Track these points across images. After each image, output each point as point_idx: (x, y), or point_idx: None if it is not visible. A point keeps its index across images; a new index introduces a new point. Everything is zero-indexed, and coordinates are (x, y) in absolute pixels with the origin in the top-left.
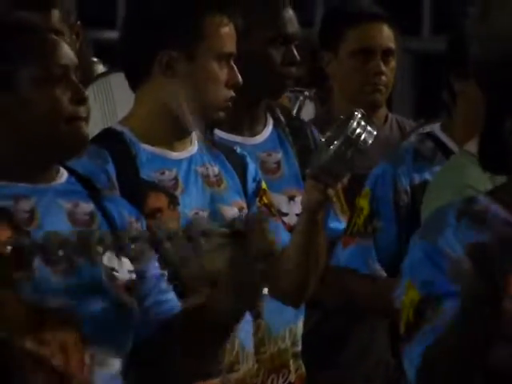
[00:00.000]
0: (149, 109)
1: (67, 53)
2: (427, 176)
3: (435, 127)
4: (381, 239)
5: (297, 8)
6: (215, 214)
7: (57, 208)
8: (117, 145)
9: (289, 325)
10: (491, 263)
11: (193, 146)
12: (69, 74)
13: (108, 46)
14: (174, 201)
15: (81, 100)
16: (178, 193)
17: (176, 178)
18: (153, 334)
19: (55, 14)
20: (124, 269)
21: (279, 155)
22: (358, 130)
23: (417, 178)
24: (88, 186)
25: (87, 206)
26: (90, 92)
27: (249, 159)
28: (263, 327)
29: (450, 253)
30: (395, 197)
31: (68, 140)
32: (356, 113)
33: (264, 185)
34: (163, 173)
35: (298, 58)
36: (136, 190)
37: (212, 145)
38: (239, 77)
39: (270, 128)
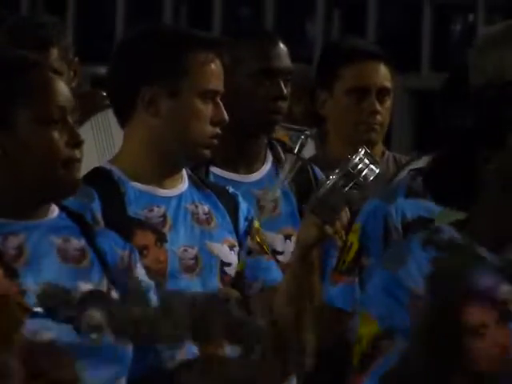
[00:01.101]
0: (135, 146)
1: (65, 93)
2: (421, 213)
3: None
4: (368, 276)
5: (295, 44)
6: (203, 252)
7: (47, 244)
8: (105, 183)
9: None
10: (447, 293)
11: (183, 184)
12: (66, 116)
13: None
14: (161, 238)
15: (77, 144)
16: (166, 230)
17: (164, 215)
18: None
19: (54, 53)
20: None
21: (277, 193)
22: (360, 166)
23: (409, 215)
24: (79, 222)
25: (78, 242)
26: (88, 127)
27: (241, 198)
28: None
29: (410, 285)
30: (385, 234)
31: (63, 183)
32: (360, 149)
33: (257, 224)
34: (152, 210)
35: (285, 92)
36: (122, 227)
37: (203, 184)
38: (225, 114)
39: (268, 165)
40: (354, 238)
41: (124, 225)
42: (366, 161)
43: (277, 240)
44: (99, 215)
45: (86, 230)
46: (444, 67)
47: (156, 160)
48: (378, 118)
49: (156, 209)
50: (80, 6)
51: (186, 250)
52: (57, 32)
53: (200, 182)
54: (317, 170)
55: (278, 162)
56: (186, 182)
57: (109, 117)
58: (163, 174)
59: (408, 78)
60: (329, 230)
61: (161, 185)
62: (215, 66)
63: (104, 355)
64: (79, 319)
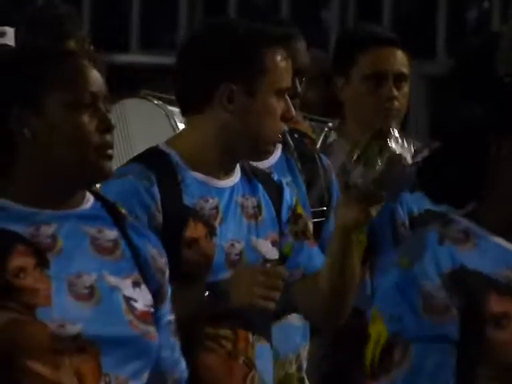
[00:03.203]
0: (201, 137)
1: (98, 80)
2: (429, 206)
3: None
4: (381, 273)
5: (311, 31)
6: (248, 247)
7: (80, 233)
8: (163, 168)
9: (296, 351)
10: (469, 285)
11: (235, 176)
12: (97, 102)
13: (121, 70)
14: (211, 231)
15: (107, 129)
16: (216, 222)
17: (217, 207)
18: None
19: (71, 45)
20: (142, 300)
21: (287, 180)
22: (399, 149)
23: (415, 209)
24: (113, 213)
25: (111, 233)
26: None
27: (285, 186)
28: (257, 378)
29: (423, 282)
30: (394, 231)
31: (94, 168)
32: (392, 130)
33: (299, 209)
34: (206, 200)
35: (299, 89)
36: (178, 216)
37: (251, 172)
38: (293, 111)
39: (278, 153)
40: (363, 238)
41: (179, 213)
42: (400, 141)
43: None
44: (159, 201)
45: (119, 220)
46: None
47: (220, 152)
48: (396, 103)
49: (210, 200)
50: None
51: (232, 245)
52: (73, 25)
53: (248, 170)
54: (324, 158)
55: (287, 148)
56: (239, 174)
57: (126, 107)
58: (222, 166)
59: (423, 65)
60: (374, 211)
61: (217, 176)
62: (287, 63)
63: (129, 349)
64: None
